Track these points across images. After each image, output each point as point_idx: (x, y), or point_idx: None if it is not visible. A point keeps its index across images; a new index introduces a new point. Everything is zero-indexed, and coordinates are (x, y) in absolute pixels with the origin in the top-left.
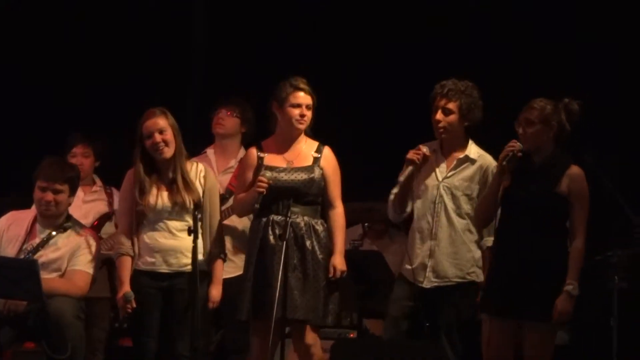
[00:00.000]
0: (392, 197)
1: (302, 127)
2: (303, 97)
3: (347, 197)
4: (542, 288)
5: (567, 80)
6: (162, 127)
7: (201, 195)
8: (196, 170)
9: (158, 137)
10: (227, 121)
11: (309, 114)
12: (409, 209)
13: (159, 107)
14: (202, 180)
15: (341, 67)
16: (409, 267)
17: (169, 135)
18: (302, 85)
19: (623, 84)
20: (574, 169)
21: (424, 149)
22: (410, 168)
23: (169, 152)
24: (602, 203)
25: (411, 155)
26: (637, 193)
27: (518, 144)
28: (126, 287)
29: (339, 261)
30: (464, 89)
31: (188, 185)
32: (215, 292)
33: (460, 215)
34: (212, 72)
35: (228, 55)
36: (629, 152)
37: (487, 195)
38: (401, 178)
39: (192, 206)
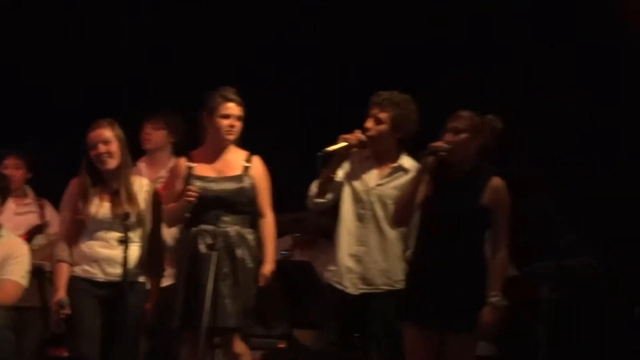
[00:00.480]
0: (314, 183)
1: (232, 137)
2: (233, 108)
3: (277, 207)
4: (465, 298)
5: (493, 91)
6: (106, 138)
7: (143, 209)
8: (140, 184)
9: (102, 148)
10: (153, 135)
11: (238, 124)
12: (329, 197)
13: (107, 119)
14: (144, 195)
15: (271, 75)
16: (333, 268)
17: (114, 146)
18: (232, 96)
19: (545, 92)
20: (496, 181)
21: (360, 134)
22: (342, 144)
23: (112, 163)
24: (531, 213)
25: (346, 135)
26: (565, 202)
27: (445, 144)
28: (61, 293)
29: (268, 270)
30: (399, 102)
31: (131, 197)
32: (151, 305)
33: (389, 223)
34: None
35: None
36: (554, 161)
37: (406, 191)
38: (328, 149)
39: (133, 219)
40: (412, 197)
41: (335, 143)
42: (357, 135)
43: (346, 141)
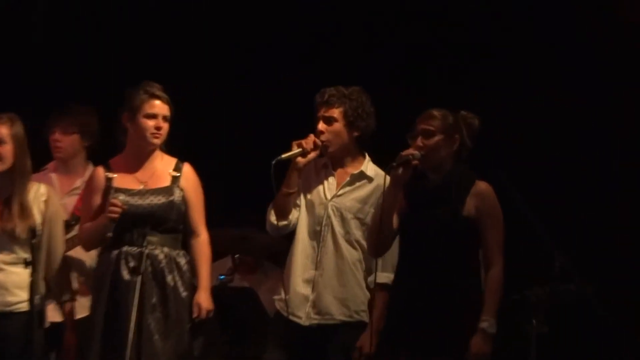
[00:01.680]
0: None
1: (158, 141)
2: (160, 107)
3: (213, 223)
4: (451, 325)
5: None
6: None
7: (39, 223)
8: (37, 192)
9: None
10: (65, 141)
11: (165, 126)
12: (292, 218)
13: (9, 113)
14: (41, 206)
15: (212, 73)
16: (281, 297)
17: (7, 147)
18: (158, 93)
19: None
20: (481, 186)
21: (314, 138)
22: (297, 150)
23: (0, 166)
24: (518, 232)
25: (299, 140)
26: (557, 220)
27: (417, 151)
28: None
29: (204, 298)
30: (349, 93)
31: (24, 210)
32: (72, 337)
33: (349, 242)
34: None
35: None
36: (543, 168)
37: (380, 213)
38: (282, 156)
39: (25, 235)
40: (386, 219)
41: (288, 150)
42: (311, 138)
43: (300, 147)
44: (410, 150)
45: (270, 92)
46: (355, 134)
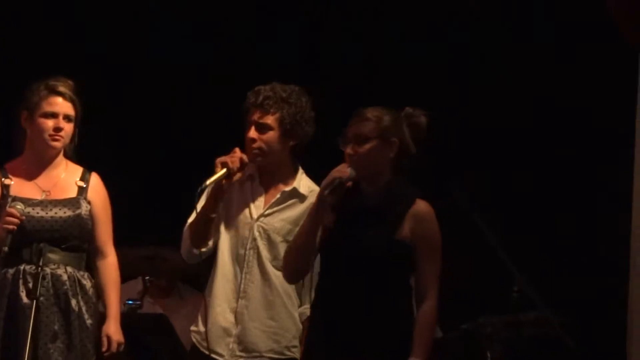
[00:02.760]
0: (188, 224)
1: (58, 144)
2: (61, 105)
3: (121, 240)
4: None
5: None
6: None
7: None
8: None
9: None
10: None
11: (68, 127)
12: (211, 244)
13: None
14: None
15: (115, 77)
16: (199, 329)
17: None
18: (61, 89)
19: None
20: (420, 206)
21: (240, 153)
22: (223, 171)
23: None
24: (472, 251)
25: (224, 158)
26: (518, 239)
27: (349, 169)
28: None
29: (114, 329)
30: (287, 96)
31: None
32: None
33: (278, 268)
34: None
35: None
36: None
37: (299, 236)
38: (207, 182)
39: None
40: (309, 242)
41: (213, 172)
42: (238, 155)
43: (225, 166)
44: (340, 169)
45: (183, 91)
46: (292, 143)
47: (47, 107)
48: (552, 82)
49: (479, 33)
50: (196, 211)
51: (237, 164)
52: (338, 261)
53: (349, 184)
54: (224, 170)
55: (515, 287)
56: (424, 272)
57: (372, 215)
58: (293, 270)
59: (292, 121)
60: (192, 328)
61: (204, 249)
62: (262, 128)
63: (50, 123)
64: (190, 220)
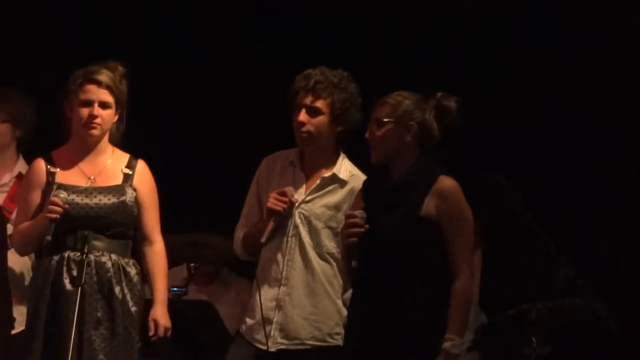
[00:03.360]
0: (240, 233)
1: (95, 132)
2: (95, 92)
3: (165, 226)
4: (408, 347)
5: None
6: None
7: None
8: None
9: None
10: None
11: (105, 114)
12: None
13: None
14: None
15: (162, 66)
16: (249, 321)
17: None
18: (94, 76)
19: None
20: (444, 181)
21: (291, 193)
22: (272, 224)
23: None
24: (516, 238)
25: (273, 203)
26: (562, 225)
27: (358, 216)
28: None
29: (161, 314)
30: (338, 81)
31: None
32: None
33: (321, 255)
34: None
35: None
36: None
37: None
38: (263, 239)
39: None
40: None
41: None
42: (285, 199)
43: (275, 215)
44: (351, 220)
45: (227, 80)
46: (339, 128)
47: (82, 96)
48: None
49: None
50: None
51: (285, 208)
52: (368, 245)
53: (361, 230)
54: (276, 221)
55: (560, 273)
56: (453, 249)
57: (396, 197)
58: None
59: (342, 107)
60: (243, 325)
61: (252, 258)
62: (313, 112)
63: (85, 111)
64: (239, 227)
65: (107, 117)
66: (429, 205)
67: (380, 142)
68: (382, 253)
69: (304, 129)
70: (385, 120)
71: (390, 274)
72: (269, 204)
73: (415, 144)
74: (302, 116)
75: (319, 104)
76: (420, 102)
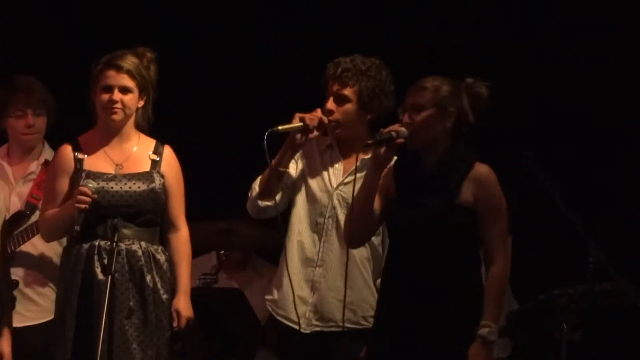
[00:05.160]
0: (258, 178)
1: (115, 117)
2: (115, 77)
3: (195, 214)
4: (445, 332)
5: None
6: None
7: None
8: None
9: None
10: (39, 124)
11: (126, 99)
12: (278, 200)
13: None
14: None
15: (190, 50)
16: (274, 297)
17: None
18: (117, 61)
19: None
20: (480, 169)
21: (321, 115)
22: (298, 124)
23: None
24: (547, 223)
25: (303, 114)
26: (594, 210)
27: (402, 128)
28: None
29: (183, 304)
30: (367, 69)
31: None
32: (6, 346)
33: None
34: None
35: None
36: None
37: (357, 201)
38: (279, 127)
39: None
40: (367, 205)
41: (289, 122)
42: (318, 114)
43: (302, 120)
44: (395, 127)
45: (264, 62)
46: (369, 116)
47: (102, 81)
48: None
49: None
50: (266, 156)
51: (314, 123)
52: (402, 231)
53: (400, 140)
54: (300, 123)
55: (590, 258)
56: (489, 235)
57: (432, 182)
58: (353, 236)
59: (371, 94)
60: (267, 297)
61: (267, 203)
62: (340, 100)
63: (106, 96)
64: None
65: (128, 102)
66: (466, 192)
67: (422, 128)
68: (420, 238)
69: (332, 117)
70: (427, 105)
71: (427, 259)
72: (302, 114)
73: (452, 129)
74: (330, 104)
75: (346, 91)
76: (456, 88)
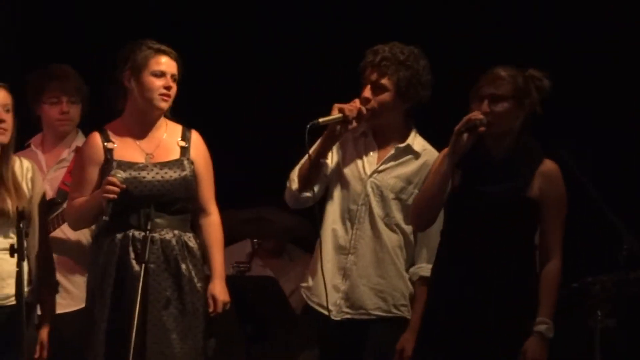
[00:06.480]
0: (298, 167)
1: (166, 105)
2: (168, 64)
3: (226, 202)
4: (503, 326)
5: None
6: (5, 102)
7: (28, 201)
8: (21, 168)
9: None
10: (73, 112)
11: (174, 87)
12: (317, 190)
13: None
14: (29, 183)
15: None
16: (308, 284)
17: (11, 116)
18: (164, 48)
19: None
20: (549, 165)
21: (360, 105)
22: (338, 115)
23: (4, 138)
24: (581, 211)
25: (342, 105)
26: (627, 198)
27: (482, 116)
28: None
29: (219, 289)
30: (405, 58)
31: (18, 187)
32: (45, 335)
33: (389, 226)
34: None
35: None
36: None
37: (432, 185)
38: (320, 120)
39: (15, 216)
40: (439, 190)
41: (328, 114)
42: (357, 105)
43: (342, 112)
44: (478, 115)
45: (293, 49)
46: (406, 105)
47: (155, 66)
48: None
49: None
50: (307, 148)
51: (354, 114)
52: (467, 217)
53: (482, 128)
54: (340, 115)
55: (624, 246)
56: (550, 231)
57: (501, 172)
58: (423, 220)
59: (408, 84)
60: (302, 284)
61: (307, 194)
62: (378, 88)
63: (159, 82)
64: (300, 164)
65: (175, 90)
66: (534, 186)
67: (501, 118)
68: (482, 226)
69: (368, 105)
70: (506, 96)
71: (486, 248)
72: (341, 104)
73: (523, 121)
74: (367, 92)
75: (384, 81)
76: (527, 79)
